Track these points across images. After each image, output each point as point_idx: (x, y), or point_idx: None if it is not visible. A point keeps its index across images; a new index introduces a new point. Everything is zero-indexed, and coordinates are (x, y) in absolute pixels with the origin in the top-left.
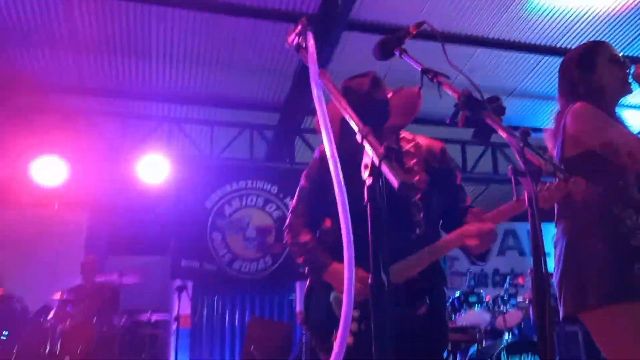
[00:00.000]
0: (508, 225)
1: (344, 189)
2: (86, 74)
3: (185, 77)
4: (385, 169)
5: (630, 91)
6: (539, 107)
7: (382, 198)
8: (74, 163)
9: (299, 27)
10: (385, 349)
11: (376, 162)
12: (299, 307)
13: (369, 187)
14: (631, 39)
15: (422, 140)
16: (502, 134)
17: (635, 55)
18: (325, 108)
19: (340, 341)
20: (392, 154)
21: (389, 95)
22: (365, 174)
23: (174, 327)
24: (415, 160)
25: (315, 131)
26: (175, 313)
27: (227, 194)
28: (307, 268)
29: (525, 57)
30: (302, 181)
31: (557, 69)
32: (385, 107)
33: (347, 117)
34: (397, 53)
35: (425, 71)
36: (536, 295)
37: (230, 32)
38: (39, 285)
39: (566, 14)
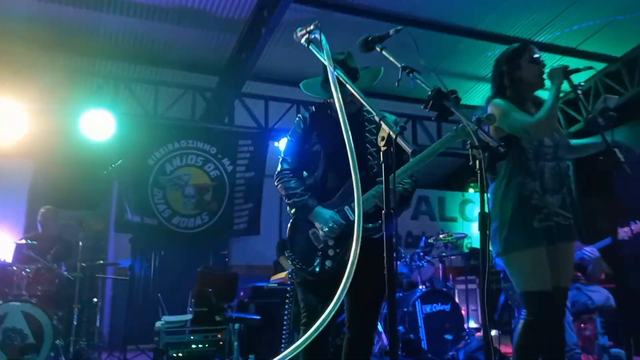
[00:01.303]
0: (421, 192)
1: (354, 149)
2: (35, 24)
3: (132, 33)
4: (400, 141)
5: (542, 86)
6: (455, 85)
7: (394, 161)
8: (20, 114)
9: (312, 26)
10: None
11: (393, 136)
12: (233, 260)
13: (384, 152)
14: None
15: None
16: (460, 117)
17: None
18: (339, 94)
19: (352, 259)
20: (404, 129)
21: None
22: (382, 143)
23: (123, 276)
24: (374, 125)
25: (255, 96)
26: (121, 262)
27: (168, 153)
28: (295, 207)
29: (446, 38)
30: (289, 138)
31: (474, 51)
32: (356, 73)
33: (364, 102)
34: (378, 49)
35: (404, 68)
36: (481, 244)
37: None
38: None
39: None
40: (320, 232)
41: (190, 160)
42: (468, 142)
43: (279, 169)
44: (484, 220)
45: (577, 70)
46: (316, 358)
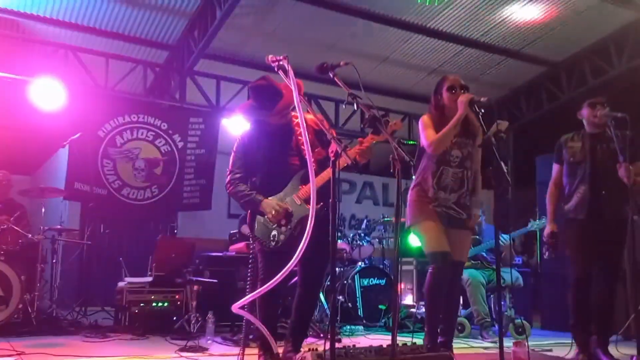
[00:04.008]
0: (366, 178)
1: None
2: None
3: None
4: (344, 154)
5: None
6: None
7: (337, 168)
8: None
9: (281, 57)
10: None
11: (340, 150)
12: (180, 233)
13: (333, 161)
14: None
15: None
16: (388, 137)
17: None
18: (304, 119)
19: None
20: (346, 147)
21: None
22: (332, 154)
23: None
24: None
25: (207, 75)
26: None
27: (119, 125)
28: (246, 205)
29: (397, 32)
30: (235, 151)
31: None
32: (281, 92)
33: (321, 125)
34: (331, 74)
35: (350, 94)
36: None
37: None
38: None
39: None
40: (269, 216)
41: (140, 134)
42: (390, 157)
43: (227, 179)
44: (398, 209)
45: (479, 101)
46: (269, 307)
